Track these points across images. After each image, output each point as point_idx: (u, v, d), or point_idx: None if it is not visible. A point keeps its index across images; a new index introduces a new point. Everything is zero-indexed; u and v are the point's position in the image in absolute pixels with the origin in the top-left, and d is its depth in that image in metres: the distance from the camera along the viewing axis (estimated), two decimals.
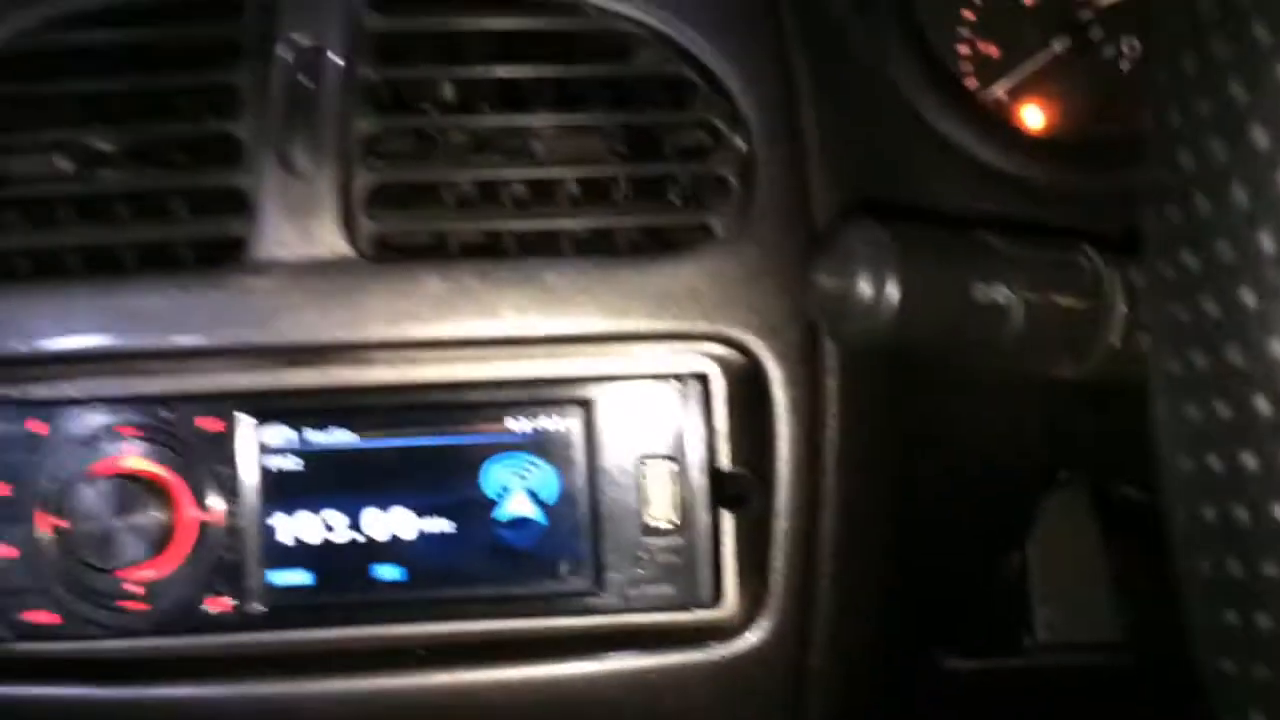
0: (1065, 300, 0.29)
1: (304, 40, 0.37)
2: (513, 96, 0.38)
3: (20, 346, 0.37)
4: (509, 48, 0.38)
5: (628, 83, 0.38)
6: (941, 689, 0.47)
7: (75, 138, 0.37)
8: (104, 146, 0.37)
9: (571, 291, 0.35)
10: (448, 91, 0.38)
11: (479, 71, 0.37)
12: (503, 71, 0.37)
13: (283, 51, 0.37)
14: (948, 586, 0.45)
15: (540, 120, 0.37)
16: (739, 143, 0.37)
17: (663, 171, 0.37)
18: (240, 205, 0.36)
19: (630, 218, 0.37)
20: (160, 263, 0.37)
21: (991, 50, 0.53)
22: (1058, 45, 0.52)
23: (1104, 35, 0.51)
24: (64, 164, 0.37)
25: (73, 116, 0.37)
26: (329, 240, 0.36)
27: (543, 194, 0.37)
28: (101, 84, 0.37)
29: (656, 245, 0.37)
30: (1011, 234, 0.32)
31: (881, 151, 0.41)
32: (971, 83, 0.53)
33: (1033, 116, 0.52)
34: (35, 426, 0.37)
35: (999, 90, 0.53)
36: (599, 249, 0.36)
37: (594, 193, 0.37)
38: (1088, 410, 0.30)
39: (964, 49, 0.53)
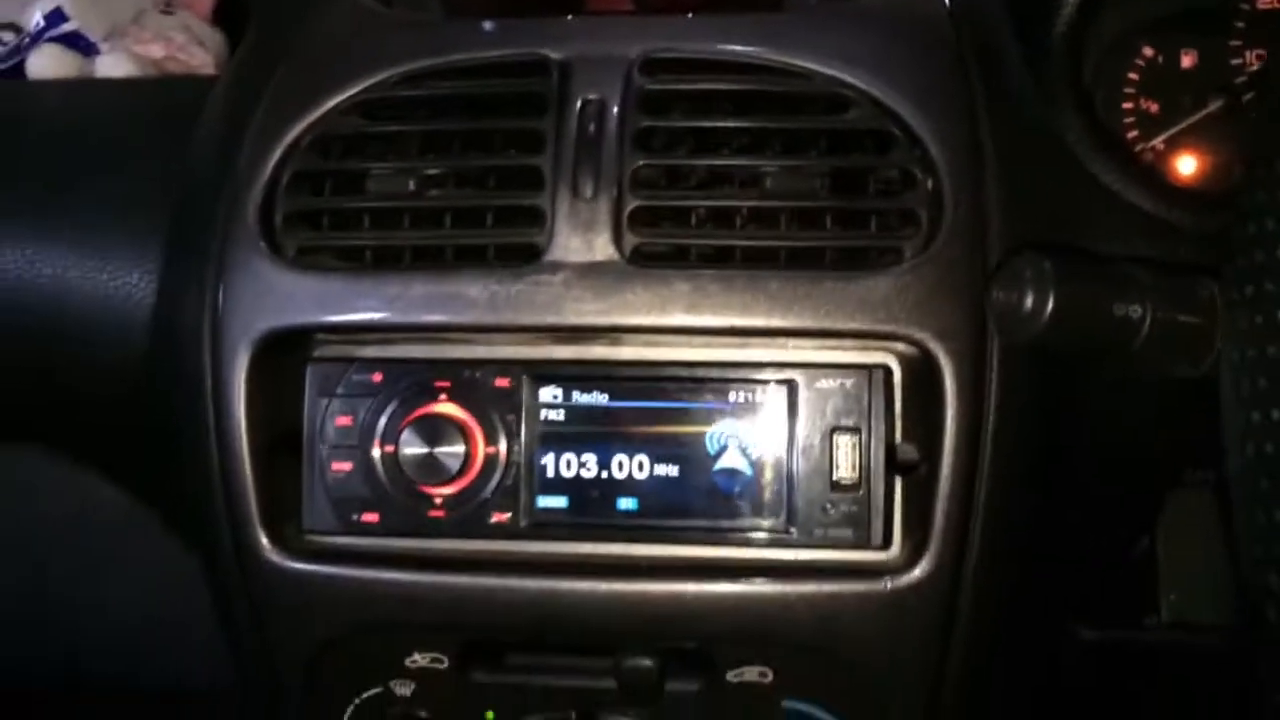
0: (1185, 317, 0.38)
1: (591, 96, 0.49)
2: (747, 141, 0.48)
3: (367, 316, 0.49)
4: (749, 103, 0.49)
5: (840, 134, 0.48)
6: (1075, 655, 0.54)
7: (417, 166, 0.50)
8: (437, 171, 0.50)
9: (786, 296, 0.46)
10: (698, 136, 0.49)
11: (723, 122, 0.48)
12: (741, 123, 0.48)
13: (575, 104, 0.49)
14: (1084, 562, 0.53)
15: (767, 163, 0.48)
16: (929, 184, 0.47)
17: (865, 207, 0.47)
18: (539, 220, 0.48)
19: (836, 240, 0.47)
20: (473, 259, 0.49)
21: (1152, 107, 0.60)
22: (1212, 104, 0.59)
23: (1255, 96, 0.58)
24: (408, 184, 0.50)
25: (416, 149, 0.50)
26: (603, 248, 0.47)
27: (766, 218, 0.47)
28: (439, 125, 0.50)
29: (856, 262, 0.46)
30: (1148, 265, 0.40)
31: (1049, 194, 0.49)
32: (1132, 135, 0.60)
33: (1185, 166, 0.59)
34: (375, 377, 0.50)
35: (1157, 143, 0.60)
36: (809, 264, 0.46)
37: (807, 218, 0.47)
38: (1211, 413, 0.37)
39: (1128, 105, 0.60)
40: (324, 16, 0.58)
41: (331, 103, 0.51)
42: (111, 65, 0.64)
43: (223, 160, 0.53)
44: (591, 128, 0.48)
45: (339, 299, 0.48)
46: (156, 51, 0.66)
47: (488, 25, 0.54)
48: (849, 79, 0.49)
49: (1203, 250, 0.49)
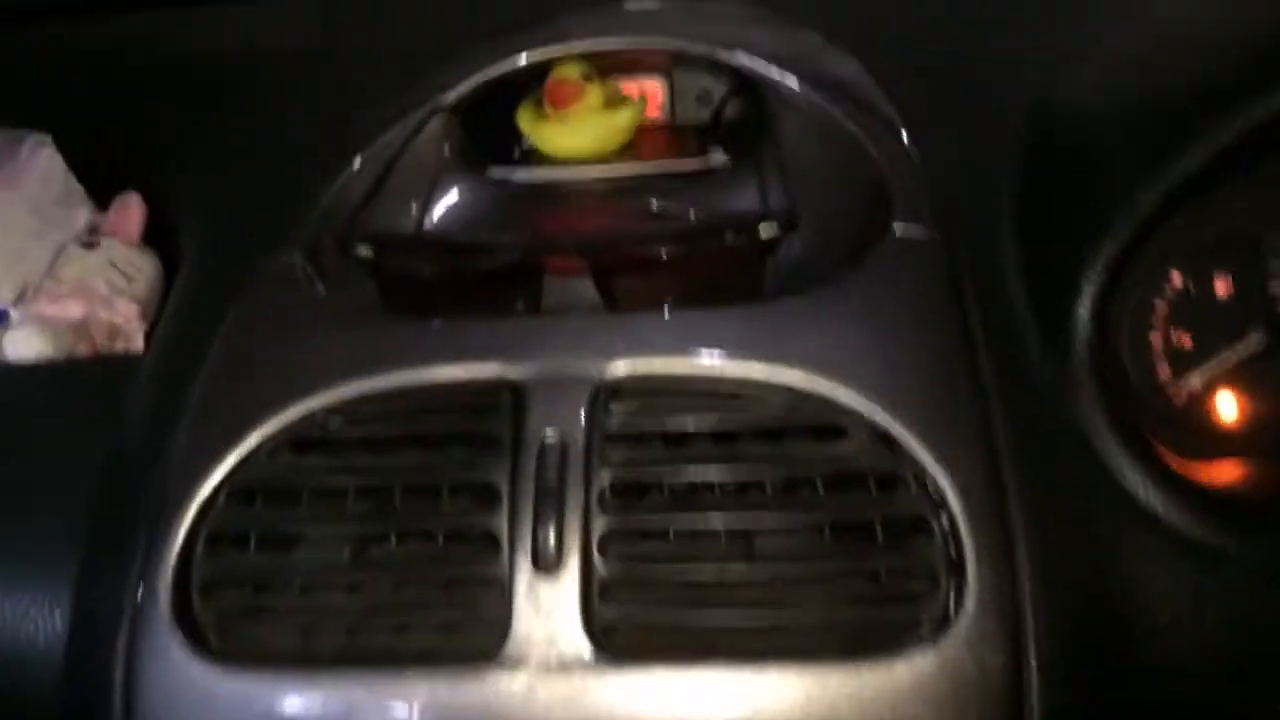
0: None
1: (551, 436, 0.43)
2: (732, 487, 0.42)
3: None
4: (732, 435, 0.43)
5: (838, 471, 0.42)
6: None
7: (354, 528, 0.43)
8: (378, 532, 0.43)
9: (786, 695, 0.39)
10: (675, 489, 0.42)
11: (703, 473, 0.42)
12: (724, 475, 0.42)
13: (534, 447, 0.43)
14: None
15: (757, 522, 0.41)
16: (945, 527, 0.41)
17: (870, 566, 0.41)
18: (494, 595, 0.41)
19: (841, 614, 0.40)
20: (417, 659, 0.41)
21: (1185, 341, 0.54)
22: (1253, 338, 0.53)
23: None
24: (343, 551, 0.43)
25: (354, 500, 0.44)
26: (570, 638, 0.40)
27: (759, 586, 0.41)
28: (382, 469, 0.44)
29: (865, 643, 0.40)
30: None
31: (1083, 525, 0.43)
32: (1164, 373, 0.54)
33: (1226, 409, 0.53)
34: None
35: (1193, 383, 0.53)
36: (811, 647, 0.40)
37: (805, 586, 0.41)
38: None
39: (1156, 338, 0.54)
40: (253, 298, 0.51)
41: (257, 437, 0.45)
42: (22, 343, 0.57)
43: (135, 497, 0.47)
44: (553, 477, 0.42)
45: (257, 703, 0.42)
46: (75, 311, 0.59)
47: (436, 325, 0.47)
48: (843, 401, 0.43)
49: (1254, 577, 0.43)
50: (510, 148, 0.63)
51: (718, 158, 0.60)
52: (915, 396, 0.43)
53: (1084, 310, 0.45)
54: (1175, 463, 0.48)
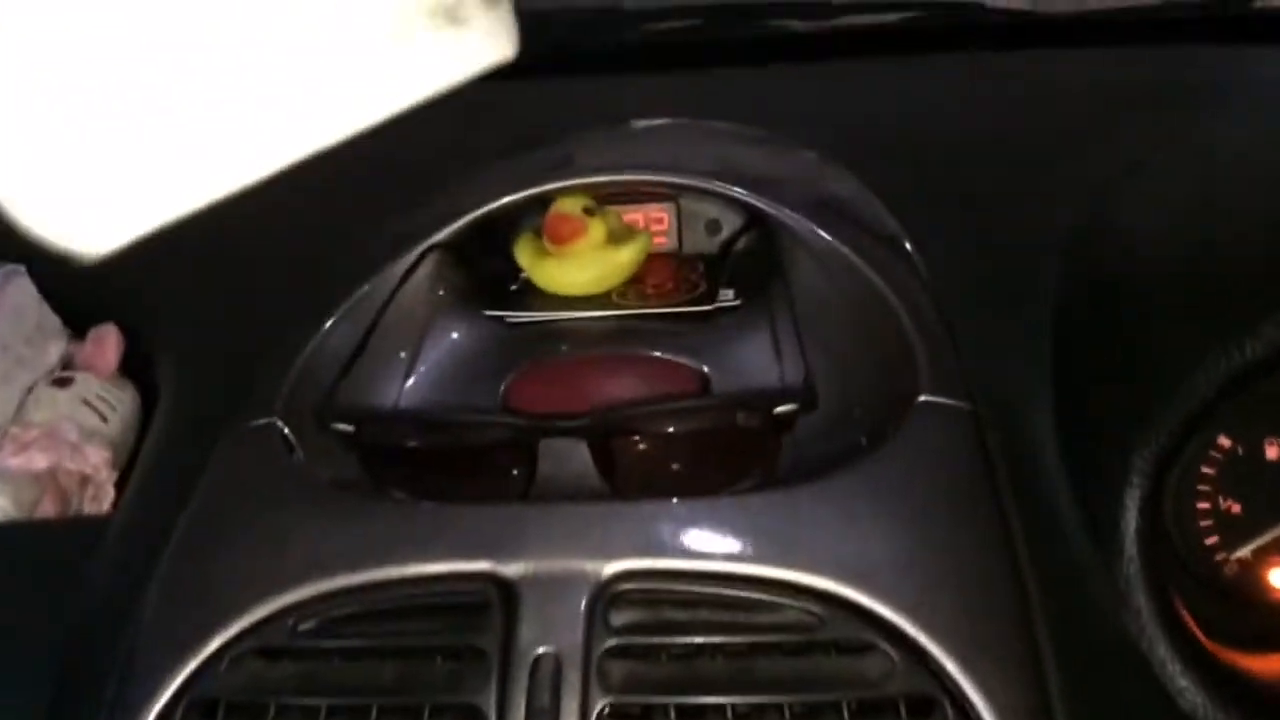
0: None
1: (544, 651, 0.39)
2: (746, 710, 0.38)
3: None
4: (748, 654, 0.38)
5: (867, 701, 0.38)
6: None
7: None
8: None
9: None
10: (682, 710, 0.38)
11: (713, 696, 0.37)
12: (736, 697, 0.37)
13: (524, 665, 0.38)
14: None
15: None
16: None
17: None
18: None
19: None
20: None
21: (1234, 508, 0.50)
22: None
23: None
24: None
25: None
26: None
27: None
28: (357, 685, 0.40)
29: None
30: None
31: None
32: (1211, 542, 0.50)
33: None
34: None
35: (1243, 553, 0.49)
36: None
37: None
38: None
39: (1204, 506, 0.50)
40: (225, 466, 0.48)
41: (220, 639, 0.41)
42: None
43: (96, 686, 0.43)
44: (545, 700, 0.38)
45: None
46: (40, 462, 0.55)
47: (420, 510, 0.43)
48: (872, 608, 0.38)
49: None
50: (507, 280, 0.60)
51: (726, 296, 0.56)
52: (951, 605, 0.39)
53: (1133, 507, 0.41)
54: (1229, 657, 0.44)
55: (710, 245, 0.61)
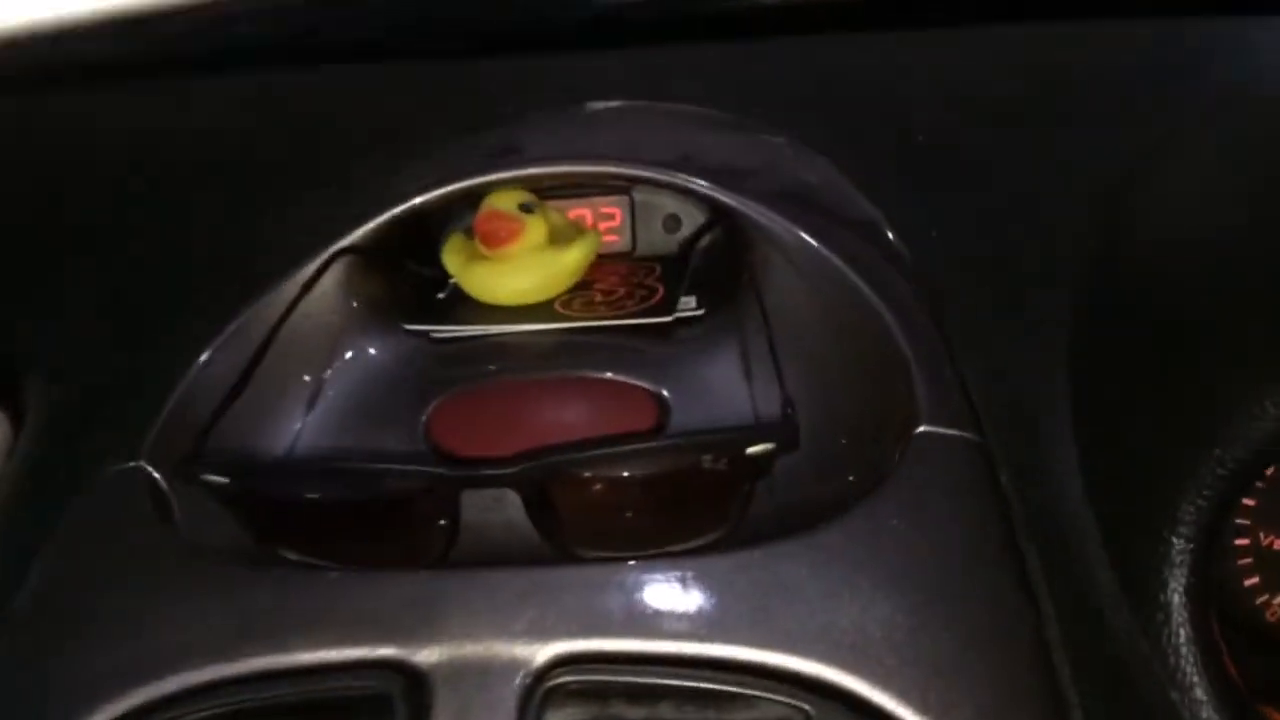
0: None
1: None
2: None
3: None
4: None
5: None
6: None
7: None
8: None
9: None
10: None
11: None
12: None
13: None
14: None
15: None
16: None
17: None
18: None
19: None
20: None
21: (1276, 544, 0.43)
22: None
23: None
24: None
25: None
26: None
27: None
28: None
29: None
30: None
31: None
32: (1251, 583, 0.43)
33: None
34: None
35: None
36: None
37: None
38: None
39: (1243, 542, 0.43)
40: (83, 523, 0.39)
41: None
42: None
43: None
44: None
45: None
46: None
47: (311, 581, 0.35)
48: (870, 699, 0.31)
49: None
50: (433, 288, 0.52)
51: (688, 304, 0.48)
52: (968, 691, 0.31)
53: (1183, 565, 0.34)
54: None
55: (669, 245, 0.54)
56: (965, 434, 0.37)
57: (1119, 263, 0.42)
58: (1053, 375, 0.40)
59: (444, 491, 0.37)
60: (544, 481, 0.36)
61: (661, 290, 0.49)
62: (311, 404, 0.46)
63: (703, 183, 0.47)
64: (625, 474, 0.36)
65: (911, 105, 0.57)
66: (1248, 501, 0.42)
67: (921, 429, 0.37)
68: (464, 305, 0.50)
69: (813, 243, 0.44)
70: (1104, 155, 0.48)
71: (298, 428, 0.45)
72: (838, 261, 0.43)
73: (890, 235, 0.49)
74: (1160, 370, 0.37)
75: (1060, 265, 0.44)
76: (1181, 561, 0.33)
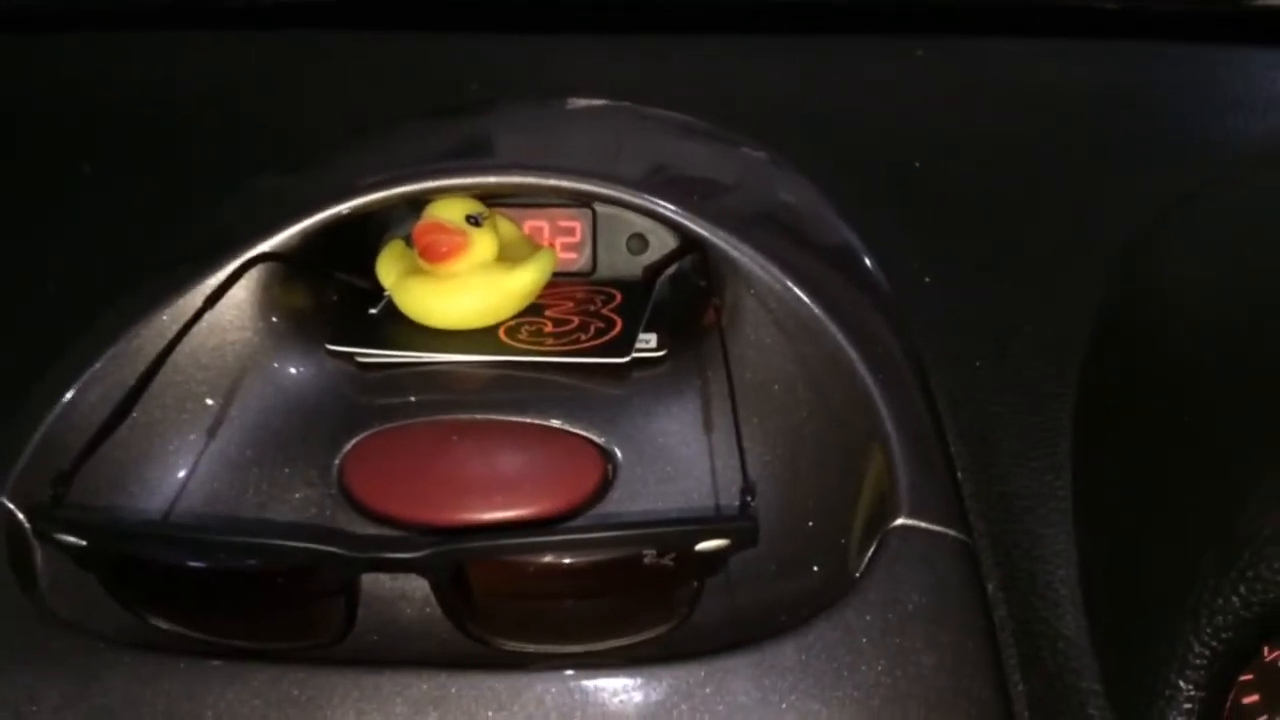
0: None
1: None
2: None
3: None
4: None
5: None
6: None
7: None
8: None
9: None
10: None
11: None
12: None
13: None
14: None
15: None
16: None
17: None
18: None
19: None
20: None
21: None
22: None
23: None
24: None
25: None
26: None
27: None
28: None
29: None
30: None
31: None
32: (1252, 700, 0.39)
33: None
34: None
35: None
36: None
37: None
38: None
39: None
40: None
41: None
42: None
43: None
44: None
45: None
46: None
47: (177, 668, 0.30)
48: None
49: None
50: (365, 301, 0.46)
51: (647, 342, 0.43)
52: None
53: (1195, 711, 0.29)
54: None
55: (633, 267, 0.48)
56: (949, 531, 0.33)
57: (1131, 336, 0.38)
58: (1053, 463, 0.35)
59: (344, 569, 0.32)
60: (458, 567, 0.31)
61: (620, 324, 0.44)
62: (213, 432, 0.40)
63: (670, 206, 0.41)
64: (555, 563, 0.31)
65: (914, 126, 0.52)
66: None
67: (899, 522, 0.33)
68: (397, 326, 0.44)
69: (791, 287, 0.39)
70: (1123, 207, 0.43)
71: (194, 460, 0.40)
72: (818, 311, 0.38)
73: (874, 269, 0.44)
74: (1175, 472, 0.33)
75: (1065, 332, 0.40)
76: (1190, 710, 0.29)
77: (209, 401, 0.41)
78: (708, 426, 0.39)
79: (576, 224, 0.49)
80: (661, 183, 0.43)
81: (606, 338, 0.43)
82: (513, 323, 0.44)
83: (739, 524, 0.31)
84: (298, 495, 0.38)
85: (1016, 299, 0.41)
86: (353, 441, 0.39)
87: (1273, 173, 0.45)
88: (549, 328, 0.44)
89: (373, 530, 0.37)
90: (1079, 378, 0.38)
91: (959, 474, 0.35)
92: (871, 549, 0.32)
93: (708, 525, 0.33)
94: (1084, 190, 0.46)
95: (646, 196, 0.41)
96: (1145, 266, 0.41)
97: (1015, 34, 0.60)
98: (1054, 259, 0.43)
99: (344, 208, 0.41)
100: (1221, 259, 0.39)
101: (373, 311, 0.45)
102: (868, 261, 0.44)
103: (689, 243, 0.43)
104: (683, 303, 0.45)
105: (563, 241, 0.49)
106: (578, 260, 0.49)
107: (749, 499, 0.31)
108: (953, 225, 0.45)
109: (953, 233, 0.44)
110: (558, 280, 0.47)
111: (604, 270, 0.49)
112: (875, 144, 0.51)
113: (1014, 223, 0.45)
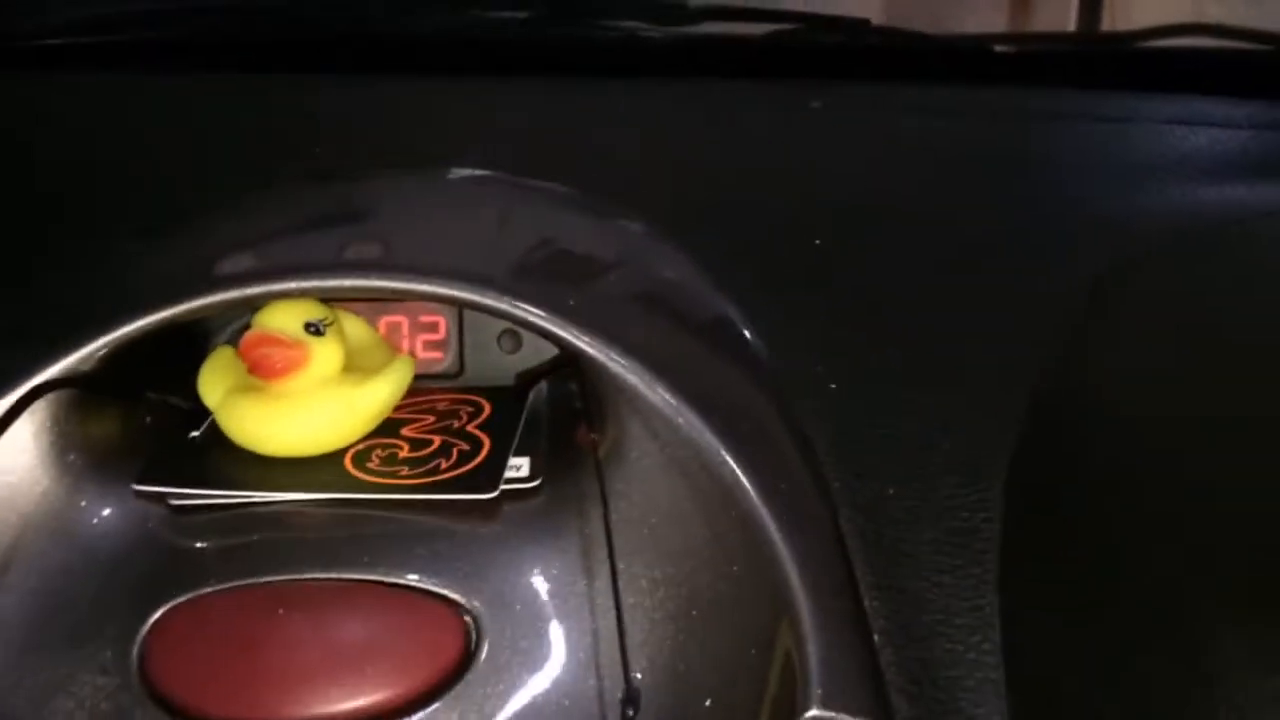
0: None
1: None
2: None
3: None
4: None
5: None
6: None
7: None
8: None
9: None
10: None
11: None
12: None
13: None
14: None
15: None
16: None
17: None
18: None
19: None
20: None
21: None
22: None
23: None
24: None
25: None
26: None
27: None
28: None
29: None
30: None
31: None
32: None
33: None
34: None
35: None
36: None
37: None
38: None
39: None
40: None
41: None
42: None
43: None
44: None
45: None
46: None
47: None
48: None
49: None
50: (186, 423, 0.39)
51: (518, 469, 0.37)
52: None
53: None
54: None
55: (504, 370, 0.42)
56: None
57: (1058, 453, 0.33)
58: (981, 619, 0.31)
59: None
60: None
61: (487, 445, 0.38)
62: None
63: (539, 312, 0.35)
64: None
65: (810, 191, 0.48)
66: None
67: (811, 714, 0.27)
68: (222, 455, 0.37)
69: (686, 414, 0.33)
70: (1045, 291, 0.39)
71: None
72: (710, 438, 0.33)
73: (769, 371, 0.39)
74: (1117, 637, 0.28)
75: (986, 448, 0.35)
76: None
77: None
78: (588, 575, 0.34)
79: (440, 319, 0.43)
80: (532, 278, 0.37)
81: (471, 464, 0.37)
82: (362, 446, 0.38)
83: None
84: (87, 687, 0.32)
85: (930, 407, 0.37)
86: (156, 615, 0.33)
87: (1201, 248, 0.42)
88: (404, 451, 0.38)
89: None
90: (1002, 507, 0.33)
91: (876, 639, 0.30)
92: None
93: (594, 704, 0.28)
94: (1001, 272, 0.42)
95: (513, 301, 0.36)
96: (1071, 369, 0.37)
97: (919, 80, 0.57)
98: (971, 358, 0.39)
99: (144, 322, 0.35)
100: (1158, 354, 0.35)
101: (193, 436, 0.39)
102: (762, 360, 0.39)
103: (565, 354, 0.38)
104: (561, 418, 0.39)
105: (425, 339, 0.43)
106: (442, 361, 0.43)
107: (630, 714, 0.26)
108: (856, 318, 0.40)
109: (857, 327, 0.40)
110: (419, 385, 0.41)
111: (472, 372, 0.43)
112: (771, 217, 0.46)
113: (925, 314, 0.40)
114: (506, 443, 0.38)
